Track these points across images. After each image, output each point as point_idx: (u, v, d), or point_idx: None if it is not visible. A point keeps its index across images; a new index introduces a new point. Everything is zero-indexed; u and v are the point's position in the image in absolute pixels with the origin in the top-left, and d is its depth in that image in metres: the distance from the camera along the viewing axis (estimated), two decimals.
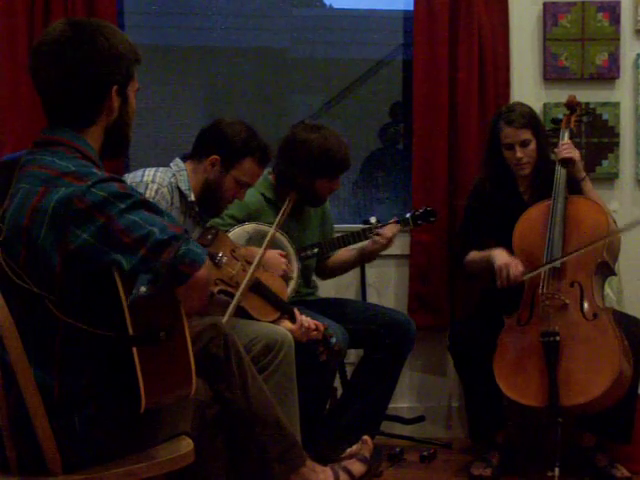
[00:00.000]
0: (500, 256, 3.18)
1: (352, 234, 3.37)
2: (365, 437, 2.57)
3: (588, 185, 3.29)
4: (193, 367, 1.84)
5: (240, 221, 3.14)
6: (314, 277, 3.53)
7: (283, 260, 3.05)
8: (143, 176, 2.73)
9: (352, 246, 3.42)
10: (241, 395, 2.20)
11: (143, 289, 1.68)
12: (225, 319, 2.62)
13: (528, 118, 3.30)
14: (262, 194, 3.25)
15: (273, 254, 3.04)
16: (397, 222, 3.39)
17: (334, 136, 3.21)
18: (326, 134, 3.20)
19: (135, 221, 1.72)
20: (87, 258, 1.73)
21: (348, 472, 2.44)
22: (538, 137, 3.32)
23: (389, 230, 3.33)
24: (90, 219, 1.71)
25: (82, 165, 1.79)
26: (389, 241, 3.34)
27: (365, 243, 3.39)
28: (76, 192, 1.73)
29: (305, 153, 3.17)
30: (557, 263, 3.09)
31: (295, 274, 3.15)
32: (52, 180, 1.76)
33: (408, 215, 3.44)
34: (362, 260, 3.49)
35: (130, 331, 1.72)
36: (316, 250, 3.33)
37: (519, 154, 3.29)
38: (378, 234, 3.32)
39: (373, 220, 3.43)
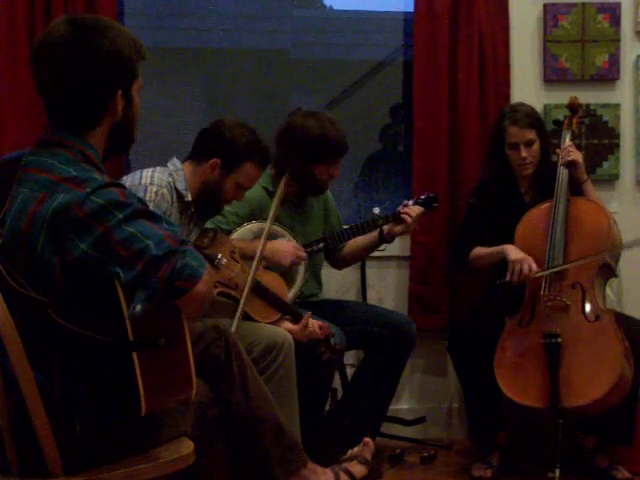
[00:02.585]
0: (514, 251, 3.18)
1: (357, 226, 3.36)
2: (366, 439, 2.57)
3: (589, 187, 3.30)
4: (193, 372, 1.83)
5: (243, 218, 3.14)
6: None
7: (290, 245, 3.04)
8: (141, 178, 2.73)
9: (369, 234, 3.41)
10: (242, 396, 2.20)
11: (138, 308, 1.68)
12: (233, 328, 2.62)
13: (533, 118, 3.31)
14: (264, 188, 3.24)
15: (278, 243, 3.04)
16: (416, 203, 3.38)
17: (330, 120, 3.23)
18: (323, 118, 3.22)
19: (132, 233, 1.70)
20: (87, 268, 1.72)
21: (349, 474, 2.44)
22: (542, 138, 3.32)
23: (413, 211, 3.32)
24: (88, 229, 1.70)
25: (83, 170, 1.78)
26: (414, 222, 3.33)
27: (388, 226, 3.36)
28: (75, 199, 1.71)
29: (303, 138, 3.18)
30: (564, 267, 3.09)
31: (302, 266, 3.15)
32: (52, 185, 1.75)
33: (410, 203, 3.42)
34: (380, 242, 3.43)
35: (130, 337, 1.71)
36: (322, 245, 3.32)
37: (524, 154, 3.28)
38: (405, 214, 3.30)
39: (377, 211, 3.42)
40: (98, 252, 1.70)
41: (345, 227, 3.42)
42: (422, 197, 3.43)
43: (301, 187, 3.28)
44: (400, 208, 3.35)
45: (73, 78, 1.80)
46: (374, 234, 3.40)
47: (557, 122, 3.48)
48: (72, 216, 1.71)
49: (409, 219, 3.30)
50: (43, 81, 1.84)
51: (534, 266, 3.12)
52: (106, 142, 1.89)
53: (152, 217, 1.77)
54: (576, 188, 3.27)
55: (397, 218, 3.32)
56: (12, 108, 3.51)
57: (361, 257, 3.60)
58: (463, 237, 3.48)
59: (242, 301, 2.73)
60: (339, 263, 3.56)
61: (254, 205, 3.17)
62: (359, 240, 3.44)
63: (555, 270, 3.09)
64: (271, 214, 2.97)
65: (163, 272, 1.68)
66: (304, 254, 3.13)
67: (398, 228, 3.33)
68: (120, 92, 1.86)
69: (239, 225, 3.12)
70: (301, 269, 3.17)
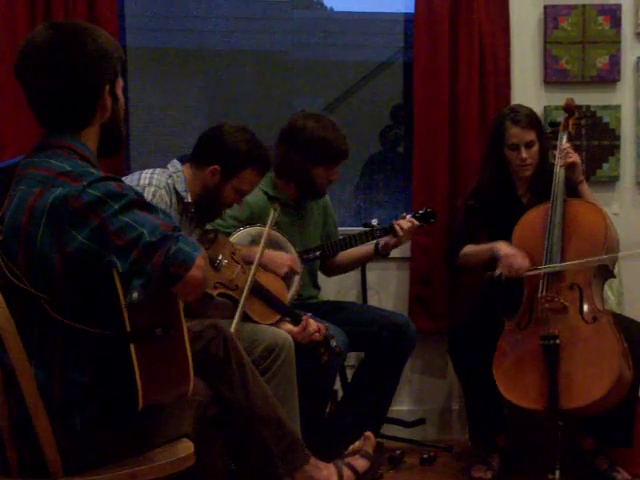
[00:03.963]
0: (505, 246, 3.19)
1: (354, 236, 3.37)
2: (367, 433, 2.55)
3: (585, 188, 3.30)
4: (190, 364, 1.84)
5: (243, 221, 3.14)
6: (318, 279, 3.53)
7: (288, 257, 3.04)
8: (140, 179, 2.73)
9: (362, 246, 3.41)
10: (242, 394, 2.20)
11: (135, 295, 1.69)
12: (232, 328, 2.62)
13: (533, 119, 3.32)
14: (264, 192, 3.24)
15: (277, 253, 3.04)
16: (413, 217, 3.38)
17: (332, 125, 3.22)
18: (324, 122, 3.21)
19: (127, 223, 1.72)
20: (85, 260, 1.74)
21: (352, 468, 2.42)
22: (540, 139, 3.33)
23: (405, 224, 3.31)
24: (85, 220, 1.72)
25: (78, 165, 1.80)
26: (406, 234, 3.33)
27: (383, 239, 3.36)
28: (72, 192, 1.73)
29: (302, 139, 3.18)
30: (560, 267, 3.09)
31: (298, 274, 3.15)
32: (49, 180, 1.77)
33: (408, 216, 3.43)
34: (375, 256, 3.45)
35: (128, 329, 1.72)
36: (318, 253, 3.33)
37: (524, 155, 3.28)
38: (397, 225, 3.31)
39: (375, 222, 3.43)
40: (95, 243, 1.72)
41: (342, 237, 3.41)
42: (420, 212, 3.43)
43: (300, 190, 3.28)
44: (396, 220, 3.35)
45: (62, 79, 1.82)
46: (370, 246, 3.41)
47: (554, 123, 3.48)
48: (69, 208, 1.73)
49: (400, 232, 3.30)
50: (32, 88, 1.87)
51: (526, 261, 3.12)
52: (98, 141, 1.91)
53: (147, 207, 1.79)
54: (572, 189, 3.28)
55: (392, 230, 3.32)
56: (14, 112, 3.48)
57: (354, 267, 3.60)
58: (457, 235, 3.49)
59: (241, 302, 2.73)
60: (331, 271, 3.57)
61: (254, 209, 3.17)
62: (354, 250, 3.45)
63: (547, 270, 3.08)
64: (269, 223, 2.95)
65: (157, 258, 1.70)
66: (299, 269, 3.12)
67: (392, 241, 3.33)
68: (108, 87, 1.88)
69: (238, 228, 3.12)
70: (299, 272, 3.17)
